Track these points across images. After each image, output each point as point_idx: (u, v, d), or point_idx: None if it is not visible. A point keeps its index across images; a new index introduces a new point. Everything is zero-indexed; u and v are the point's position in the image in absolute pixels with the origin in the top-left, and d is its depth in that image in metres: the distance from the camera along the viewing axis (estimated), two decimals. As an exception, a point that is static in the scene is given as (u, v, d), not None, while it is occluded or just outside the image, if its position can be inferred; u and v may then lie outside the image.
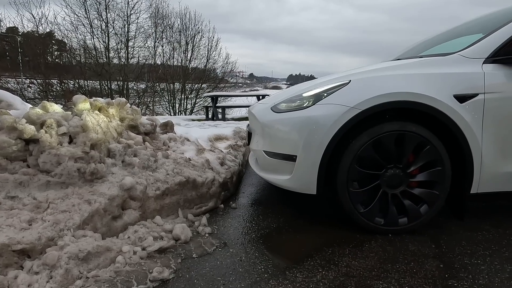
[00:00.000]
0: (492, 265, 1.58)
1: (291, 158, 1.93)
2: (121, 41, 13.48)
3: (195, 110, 14.56)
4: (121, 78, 12.94)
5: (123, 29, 13.43)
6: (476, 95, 1.83)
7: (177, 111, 14.11)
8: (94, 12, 12.59)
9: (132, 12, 13.42)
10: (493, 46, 1.91)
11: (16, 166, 1.49)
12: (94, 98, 2.14)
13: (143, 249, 1.56)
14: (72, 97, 1.90)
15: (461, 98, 1.82)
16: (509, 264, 1.59)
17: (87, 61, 12.79)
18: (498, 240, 1.83)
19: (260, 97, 9.03)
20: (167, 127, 2.77)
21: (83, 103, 1.79)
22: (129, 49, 13.82)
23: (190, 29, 14.29)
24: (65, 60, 13.67)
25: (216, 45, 14.93)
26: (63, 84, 12.42)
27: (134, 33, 13.62)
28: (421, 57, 2.27)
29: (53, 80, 12.50)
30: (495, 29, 1.98)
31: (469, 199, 1.94)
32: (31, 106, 2.72)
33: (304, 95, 2.03)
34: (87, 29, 12.70)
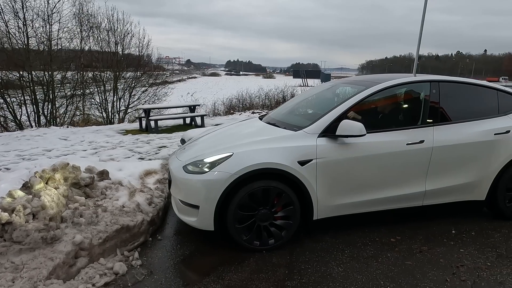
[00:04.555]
0: (315, 269, 2.67)
1: (196, 207, 2.83)
2: (43, 42, 12.93)
3: (128, 111, 14.62)
4: (46, 68, 12.26)
5: (44, 29, 12.86)
6: (311, 160, 2.89)
7: (110, 114, 14.06)
8: (9, 13, 11.85)
9: (54, 11, 12.89)
10: (323, 125, 2.99)
11: (-4, 242, 2.16)
12: (42, 169, 2.77)
13: (93, 285, 2.34)
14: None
15: (302, 163, 2.86)
16: (324, 266, 2.69)
17: None
18: (327, 249, 2.95)
19: (192, 107, 9.74)
20: (103, 175, 3.47)
21: (38, 184, 2.46)
22: (53, 47, 13.31)
23: (119, 30, 14.17)
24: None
25: (147, 45, 15.06)
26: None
27: (57, 33, 13.13)
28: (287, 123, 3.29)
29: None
30: (325, 113, 3.06)
31: (315, 223, 3.04)
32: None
33: (205, 160, 2.91)
34: (2, 28, 11.97)
